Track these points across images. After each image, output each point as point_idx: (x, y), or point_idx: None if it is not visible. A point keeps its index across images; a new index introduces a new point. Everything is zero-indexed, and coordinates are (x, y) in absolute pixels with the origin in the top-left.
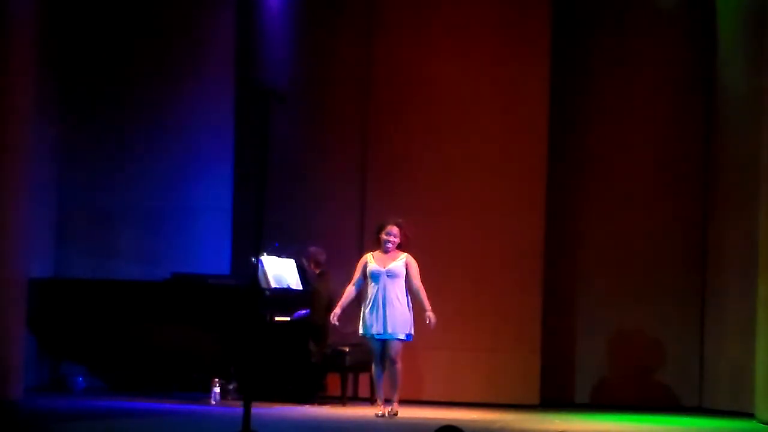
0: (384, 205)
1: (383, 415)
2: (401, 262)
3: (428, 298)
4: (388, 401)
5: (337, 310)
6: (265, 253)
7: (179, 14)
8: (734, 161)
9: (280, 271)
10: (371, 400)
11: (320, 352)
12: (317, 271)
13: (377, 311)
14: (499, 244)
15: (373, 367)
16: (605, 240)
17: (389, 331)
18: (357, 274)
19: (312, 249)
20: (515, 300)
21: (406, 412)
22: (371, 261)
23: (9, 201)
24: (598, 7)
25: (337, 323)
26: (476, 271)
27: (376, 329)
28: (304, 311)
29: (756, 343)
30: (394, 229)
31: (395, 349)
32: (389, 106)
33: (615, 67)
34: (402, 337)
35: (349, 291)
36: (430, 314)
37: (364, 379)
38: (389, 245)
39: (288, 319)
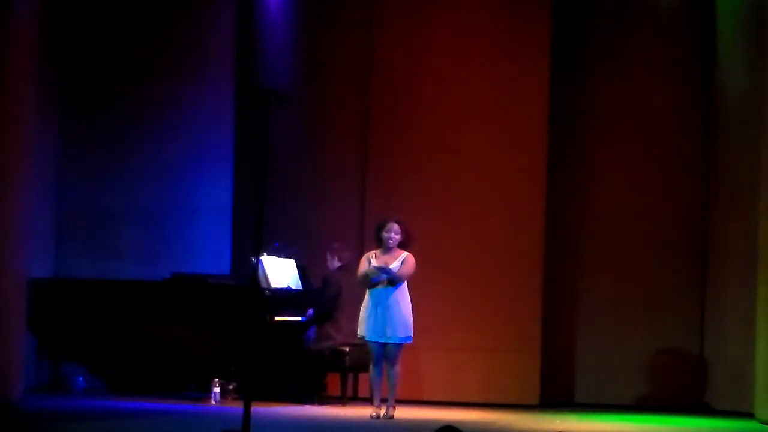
0: (384, 205)
1: (378, 416)
2: (401, 261)
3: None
4: (384, 401)
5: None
6: (265, 253)
7: (179, 14)
8: (734, 161)
9: (283, 271)
10: (371, 400)
11: (320, 344)
12: (338, 264)
13: (375, 313)
14: (499, 244)
15: (370, 368)
16: (605, 240)
17: (387, 334)
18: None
19: (337, 244)
20: (515, 300)
21: (406, 413)
22: (372, 260)
23: (9, 201)
24: (598, 7)
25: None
26: (476, 271)
27: (374, 332)
28: (310, 310)
29: (756, 343)
30: (395, 227)
31: (394, 352)
32: (389, 106)
33: (615, 67)
34: (399, 341)
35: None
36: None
37: (364, 379)
38: (391, 242)
39: (299, 319)
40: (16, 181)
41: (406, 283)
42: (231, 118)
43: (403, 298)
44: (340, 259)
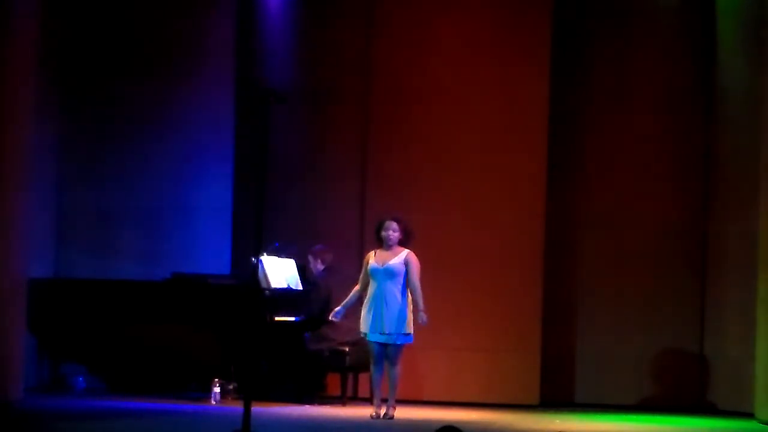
0: (384, 204)
1: (378, 416)
2: (401, 259)
3: (428, 297)
4: (384, 401)
5: (338, 307)
6: (265, 253)
7: (179, 14)
8: (734, 161)
9: (283, 271)
10: (371, 400)
11: (320, 345)
12: (322, 267)
13: (376, 311)
14: (499, 244)
15: (371, 367)
16: (605, 240)
17: (388, 332)
18: (362, 275)
19: (318, 247)
20: (515, 300)
21: (406, 413)
22: (372, 258)
23: (9, 201)
24: (598, 7)
25: (335, 319)
26: (476, 271)
27: (374, 331)
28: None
29: (756, 343)
30: (393, 224)
31: (395, 352)
32: (389, 106)
33: (615, 67)
34: (400, 341)
35: (354, 291)
36: (423, 314)
37: (364, 379)
38: (390, 240)
39: (293, 319)
40: (16, 181)
41: (404, 278)
42: (231, 118)
43: (405, 296)
44: (322, 262)
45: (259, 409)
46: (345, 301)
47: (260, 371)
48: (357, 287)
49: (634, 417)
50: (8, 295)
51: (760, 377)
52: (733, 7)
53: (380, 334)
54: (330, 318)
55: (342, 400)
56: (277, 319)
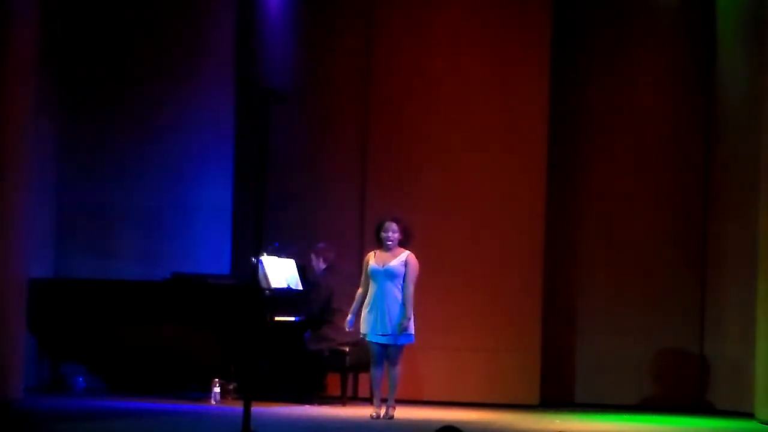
0: (384, 204)
1: (378, 417)
2: (402, 260)
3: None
4: (384, 401)
5: (349, 316)
6: (265, 253)
7: (179, 14)
8: (734, 161)
9: (283, 271)
10: (371, 400)
11: (320, 345)
12: (324, 266)
13: (377, 312)
14: (499, 244)
15: (372, 367)
16: (605, 240)
17: (389, 333)
18: (363, 277)
19: (321, 245)
20: (515, 300)
21: (406, 413)
22: (372, 259)
23: (9, 201)
24: (599, 7)
25: (350, 329)
26: (476, 271)
27: (375, 332)
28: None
29: (756, 343)
30: (393, 225)
31: (396, 353)
32: (389, 106)
33: (615, 67)
34: (402, 341)
35: (358, 295)
36: (405, 322)
37: (364, 379)
38: (390, 242)
39: (293, 319)
40: (16, 181)
41: (403, 283)
42: (231, 118)
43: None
44: (324, 260)
45: (259, 409)
46: (353, 307)
47: (260, 371)
48: (360, 290)
49: (634, 417)
50: (8, 295)
51: (760, 377)
52: (733, 7)
53: (381, 335)
54: (347, 330)
55: (342, 400)
56: (277, 319)
